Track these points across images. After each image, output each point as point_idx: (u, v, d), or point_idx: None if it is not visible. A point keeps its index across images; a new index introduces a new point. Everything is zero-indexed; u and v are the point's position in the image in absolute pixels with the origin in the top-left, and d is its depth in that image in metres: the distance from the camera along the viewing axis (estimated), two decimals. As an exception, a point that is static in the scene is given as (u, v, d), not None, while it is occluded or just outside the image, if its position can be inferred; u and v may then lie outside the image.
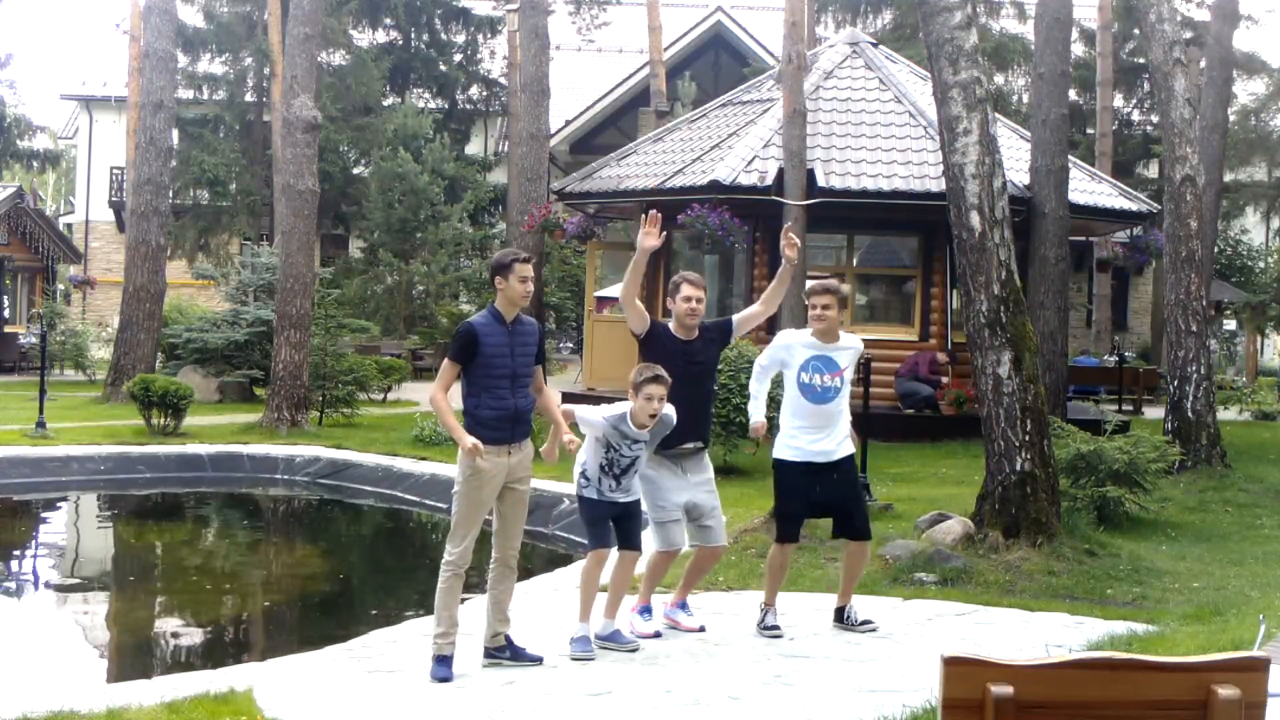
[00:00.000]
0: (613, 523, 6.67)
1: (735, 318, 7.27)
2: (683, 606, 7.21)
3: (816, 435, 6.96)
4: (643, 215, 7.00)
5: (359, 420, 18.89)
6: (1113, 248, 20.41)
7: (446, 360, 6.23)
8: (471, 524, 6.17)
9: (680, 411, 6.71)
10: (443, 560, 6.19)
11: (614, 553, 6.79)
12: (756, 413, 7.16)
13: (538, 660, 6.35)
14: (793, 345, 7.03)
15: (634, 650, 6.64)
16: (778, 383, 7.35)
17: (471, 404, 6.19)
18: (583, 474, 6.69)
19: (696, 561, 7.21)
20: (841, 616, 7.26)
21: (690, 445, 6.92)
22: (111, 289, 32.48)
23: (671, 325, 7.04)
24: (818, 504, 7.14)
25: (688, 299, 6.93)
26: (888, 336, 17.62)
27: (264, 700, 5.65)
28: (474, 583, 7.31)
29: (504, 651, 6.34)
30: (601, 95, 34.51)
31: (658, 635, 6.91)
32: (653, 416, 6.50)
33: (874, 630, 7.15)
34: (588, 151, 31.56)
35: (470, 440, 6.00)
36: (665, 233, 7.18)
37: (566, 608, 7.57)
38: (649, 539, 7.06)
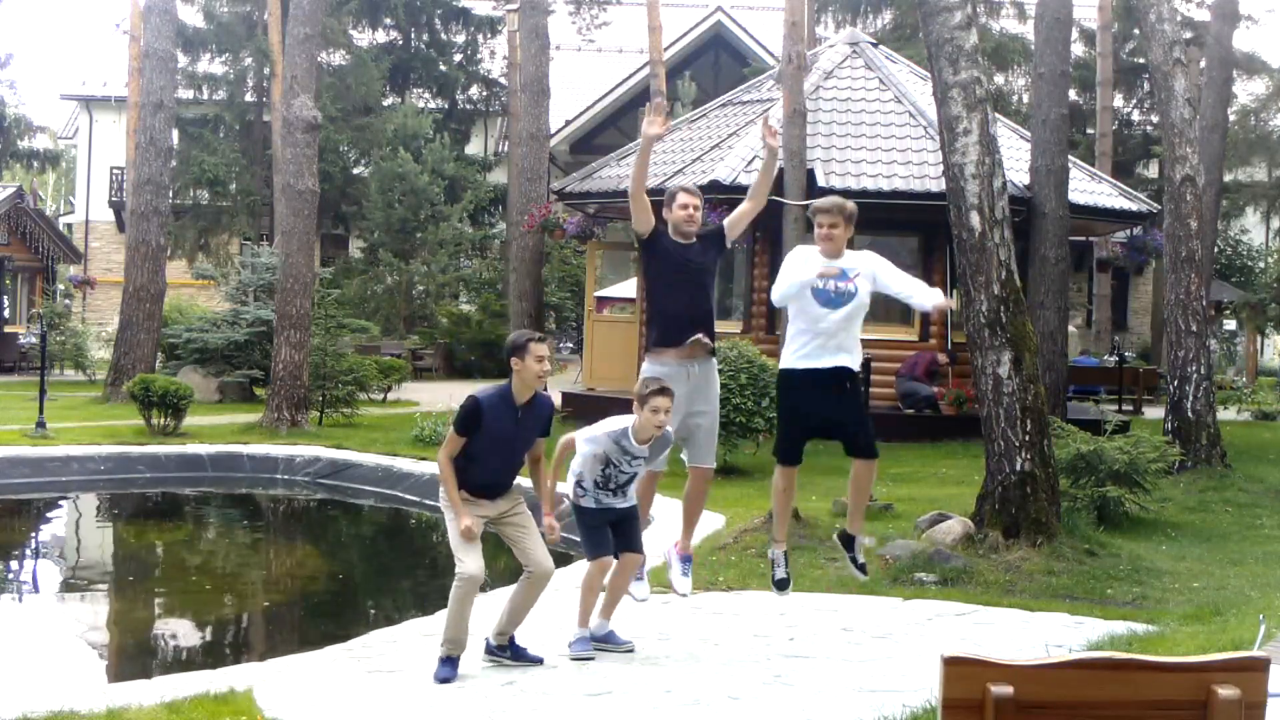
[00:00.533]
0: (611, 528, 6.63)
1: (725, 221, 7.17)
2: (685, 560, 7.17)
3: (823, 346, 6.80)
4: (647, 104, 7.03)
5: (359, 420, 18.90)
6: (1112, 248, 20.40)
7: (451, 430, 6.22)
8: (467, 549, 6.14)
9: (684, 310, 6.75)
10: (455, 575, 6.16)
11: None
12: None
13: (538, 661, 6.36)
14: (805, 254, 6.93)
15: (629, 651, 6.65)
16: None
17: (460, 463, 6.19)
18: (578, 483, 6.62)
19: (690, 492, 7.12)
20: (850, 543, 7.25)
21: (697, 337, 6.83)
22: (111, 289, 32.48)
23: (669, 232, 7.01)
24: (820, 424, 6.99)
25: (684, 206, 6.93)
26: (888, 336, 17.61)
27: (264, 700, 5.65)
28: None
29: (505, 651, 6.36)
30: (601, 95, 34.53)
31: (645, 600, 6.99)
32: (659, 428, 6.45)
33: (864, 578, 7.39)
34: (588, 151, 31.57)
35: (465, 523, 6.06)
36: (670, 121, 7.20)
37: (567, 607, 7.57)
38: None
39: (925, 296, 7.06)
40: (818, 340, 6.80)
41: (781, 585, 7.12)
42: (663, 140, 19.72)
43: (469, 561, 6.08)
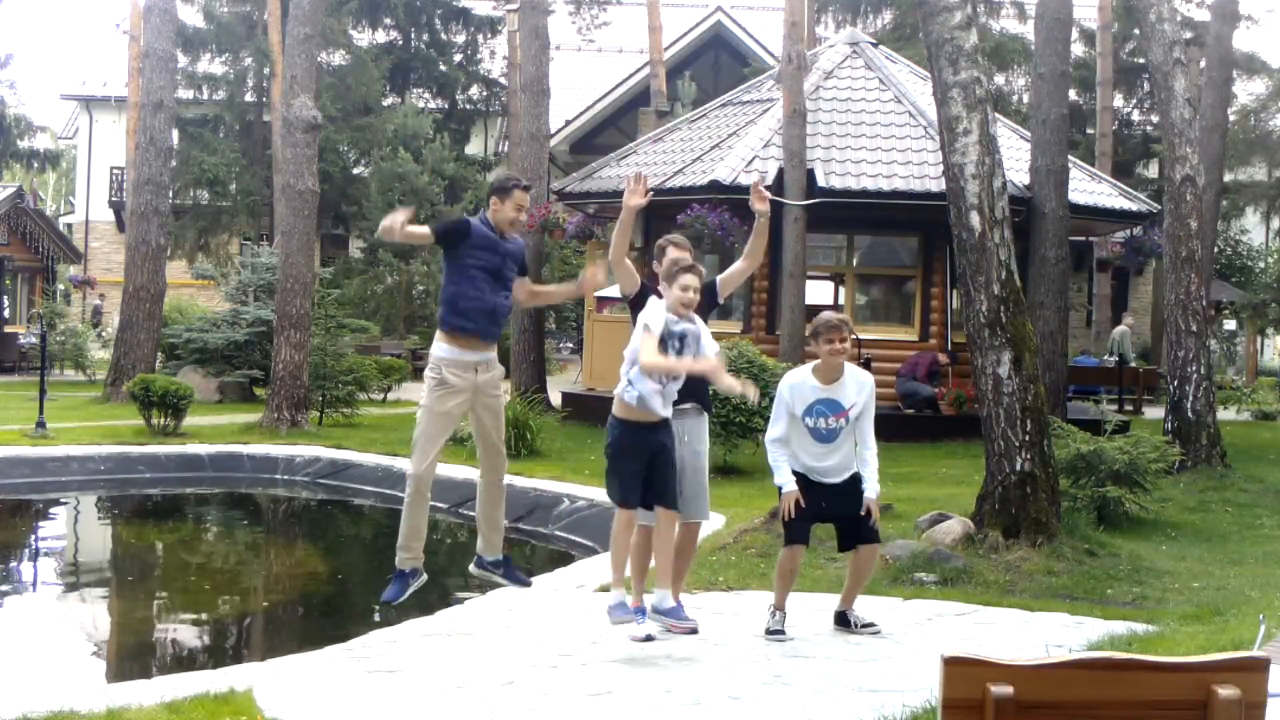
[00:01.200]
0: (648, 471, 6.48)
1: (718, 279, 7.21)
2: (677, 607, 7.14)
3: (822, 462, 6.94)
4: (630, 177, 7.01)
5: (359, 420, 18.90)
6: (1112, 248, 20.41)
7: (426, 229, 6.35)
8: (435, 439, 6.20)
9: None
10: (407, 477, 6.28)
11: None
12: (784, 480, 6.94)
13: (526, 583, 6.59)
14: (797, 387, 6.93)
15: (693, 631, 6.75)
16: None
17: (450, 292, 6.24)
18: (629, 377, 6.49)
19: (676, 543, 7.06)
20: (845, 621, 7.18)
21: (687, 405, 6.87)
22: (111, 289, 32.49)
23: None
24: (822, 510, 7.07)
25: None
26: (888, 336, 17.63)
27: (264, 700, 5.65)
28: (474, 584, 7.30)
29: (499, 567, 6.49)
30: (601, 95, 34.52)
31: (650, 639, 6.76)
32: (686, 307, 6.43)
33: (877, 632, 7.10)
34: (588, 151, 31.57)
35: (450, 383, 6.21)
36: (650, 193, 7.19)
37: (566, 608, 7.57)
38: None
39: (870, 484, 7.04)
40: (821, 463, 6.95)
41: (777, 636, 6.99)
42: (662, 140, 19.90)
43: (423, 461, 6.20)
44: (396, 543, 6.38)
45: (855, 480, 7.01)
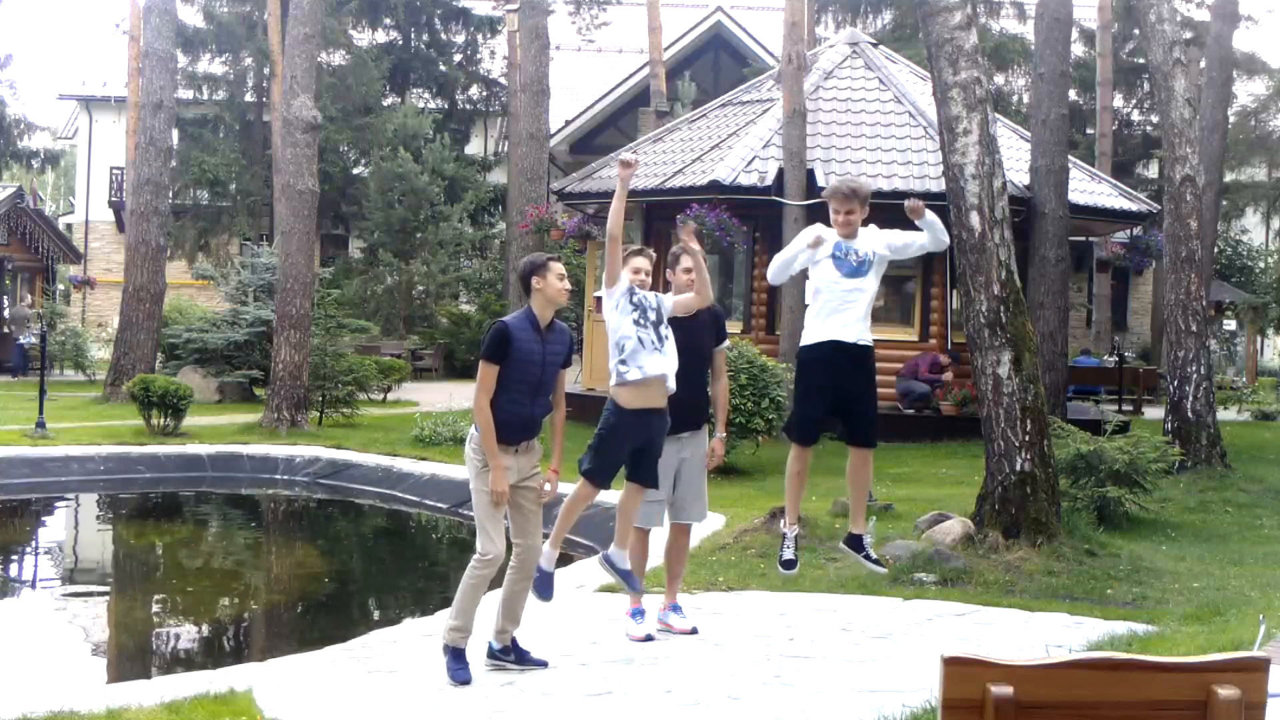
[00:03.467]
0: (633, 455, 6.54)
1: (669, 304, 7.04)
2: (675, 609, 7.16)
3: (847, 320, 6.99)
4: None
5: (359, 420, 18.90)
6: (1112, 248, 20.41)
7: (483, 362, 6.05)
8: (493, 516, 6.09)
9: (679, 394, 6.71)
10: (474, 557, 6.07)
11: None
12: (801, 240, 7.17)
13: (542, 664, 6.29)
14: (820, 231, 7.11)
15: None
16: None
17: (494, 403, 6.06)
18: (620, 359, 6.54)
19: (671, 546, 7.17)
20: (858, 544, 7.39)
21: (684, 434, 6.95)
22: (111, 289, 32.48)
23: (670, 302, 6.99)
24: (835, 399, 7.10)
25: (688, 270, 6.95)
26: (888, 337, 17.59)
27: (264, 700, 5.65)
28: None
29: (509, 654, 6.27)
30: (601, 95, 34.50)
31: (649, 639, 6.85)
32: (641, 287, 6.52)
33: (884, 571, 7.47)
34: (588, 151, 31.55)
35: (500, 486, 5.99)
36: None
37: (566, 608, 7.57)
38: None
39: (923, 224, 7.08)
40: (842, 314, 6.98)
41: (788, 565, 7.31)
42: (662, 140, 19.90)
43: (495, 541, 5.99)
44: (450, 619, 6.11)
45: (868, 356, 7.07)
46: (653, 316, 6.55)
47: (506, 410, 6.08)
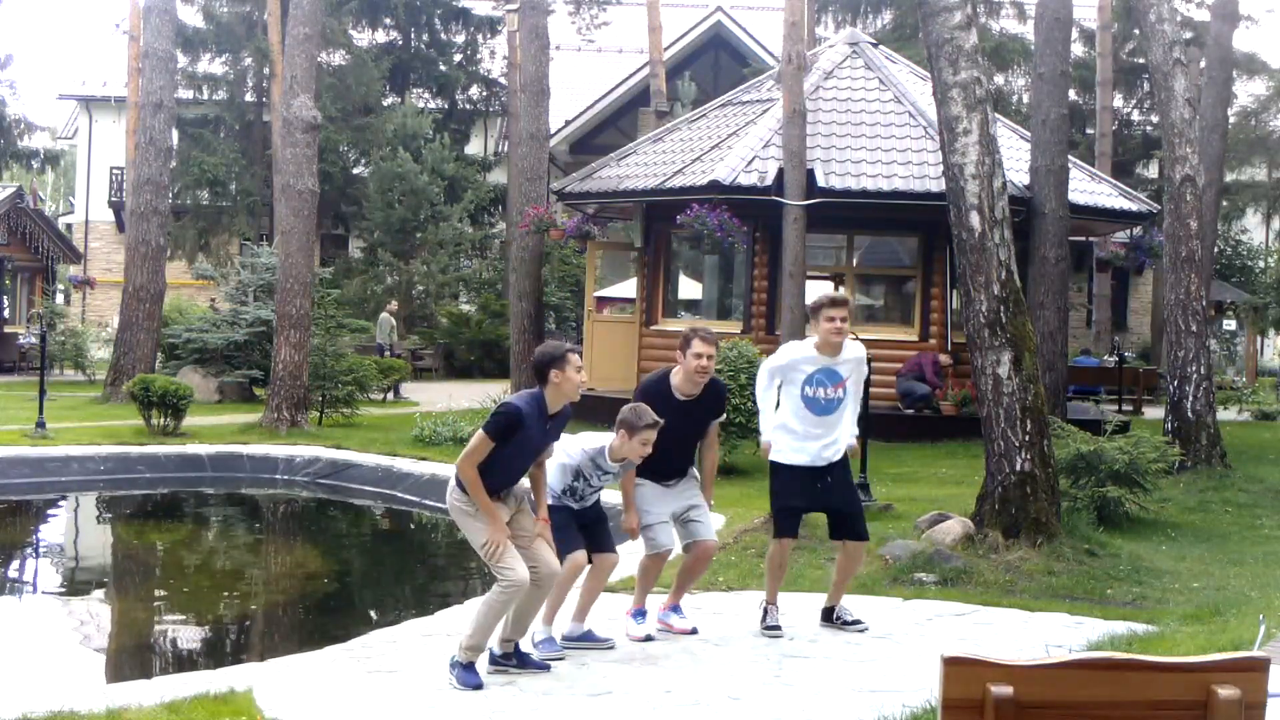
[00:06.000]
0: (582, 530, 6.61)
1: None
2: (675, 610, 7.16)
3: (816, 442, 6.98)
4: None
5: (359, 420, 18.90)
6: (1112, 248, 20.39)
7: (483, 434, 5.94)
8: (510, 554, 5.96)
9: (671, 455, 6.81)
10: (498, 582, 5.97)
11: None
12: (766, 430, 7.16)
13: (545, 669, 6.28)
14: (796, 361, 7.00)
15: (610, 648, 6.67)
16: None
17: (481, 467, 5.99)
18: (563, 486, 6.62)
19: (688, 563, 7.17)
20: (830, 616, 7.25)
21: (673, 481, 7.00)
22: (111, 289, 32.48)
23: (676, 379, 6.92)
24: (815, 503, 7.15)
25: (699, 355, 6.80)
26: (888, 337, 17.61)
27: (264, 700, 5.65)
28: (472, 589, 7.26)
29: (511, 660, 6.25)
30: (601, 95, 34.50)
31: (649, 639, 6.87)
32: (639, 459, 6.52)
33: (864, 630, 7.12)
34: (588, 151, 31.55)
35: (500, 539, 5.93)
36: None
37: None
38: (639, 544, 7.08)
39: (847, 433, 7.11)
40: (811, 440, 6.97)
41: (771, 629, 7.03)
42: (662, 140, 19.90)
43: (517, 568, 5.93)
44: (467, 637, 6.02)
45: (845, 466, 7.08)
46: (584, 495, 6.65)
47: (497, 479, 6.05)
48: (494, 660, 6.24)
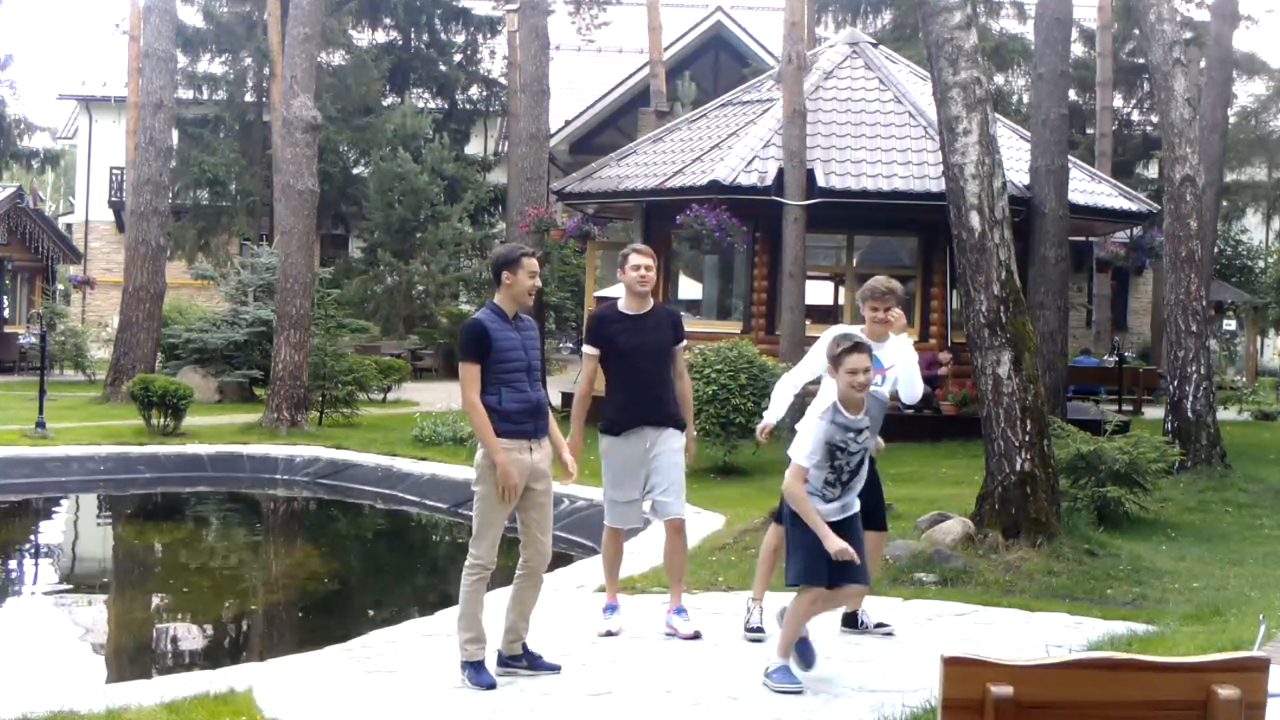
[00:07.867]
0: (846, 523, 5.94)
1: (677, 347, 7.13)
2: (680, 611, 7.09)
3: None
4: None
5: (359, 420, 18.90)
6: (1112, 248, 20.39)
7: (463, 363, 5.96)
8: (494, 524, 6.00)
9: (638, 391, 6.80)
10: (467, 563, 6.03)
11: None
12: (772, 415, 7.01)
13: (555, 669, 6.20)
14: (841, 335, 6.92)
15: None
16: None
17: (493, 400, 5.93)
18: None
19: (665, 552, 7.11)
20: (854, 621, 7.09)
21: (649, 429, 6.92)
22: (111, 289, 32.48)
23: (621, 301, 7.05)
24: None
25: (636, 267, 6.95)
26: (888, 337, 17.59)
27: (264, 700, 5.65)
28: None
29: (520, 660, 6.20)
30: (601, 95, 34.50)
31: (610, 635, 6.91)
32: (862, 389, 5.74)
33: (890, 633, 7.01)
34: (588, 151, 31.55)
35: (513, 479, 5.88)
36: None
37: (566, 608, 7.57)
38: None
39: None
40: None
41: (754, 632, 6.90)
42: (662, 140, 19.89)
43: (486, 548, 5.95)
44: (460, 635, 6.03)
45: (874, 477, 6.67)
46: (852, 466, 5.93)
47: (514, 400, 5.97)
48: (502, 662, 6.20)
